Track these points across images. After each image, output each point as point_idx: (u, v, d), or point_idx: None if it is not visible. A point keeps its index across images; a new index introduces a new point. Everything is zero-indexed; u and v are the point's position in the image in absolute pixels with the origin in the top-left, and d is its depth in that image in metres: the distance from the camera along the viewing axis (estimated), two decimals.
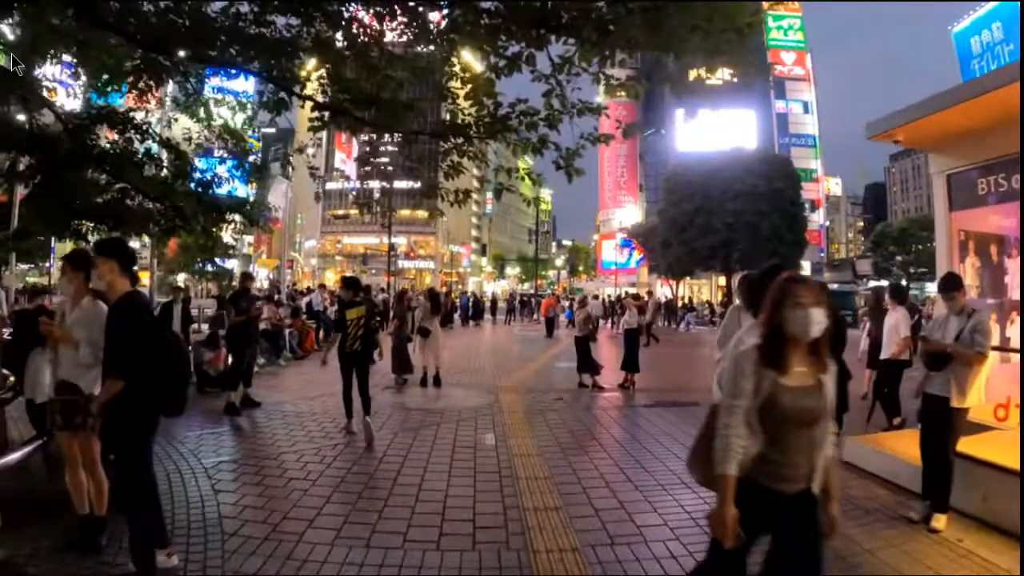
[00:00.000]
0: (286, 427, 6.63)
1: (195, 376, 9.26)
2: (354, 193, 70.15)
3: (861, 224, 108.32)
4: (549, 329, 21.60)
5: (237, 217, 9.07)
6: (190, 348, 9.68)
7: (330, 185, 75.24)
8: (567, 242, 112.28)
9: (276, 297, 13.36)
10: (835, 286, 40.51)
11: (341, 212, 61.66)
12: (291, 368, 11.53)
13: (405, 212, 74.56)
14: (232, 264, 60.32)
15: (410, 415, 7.38)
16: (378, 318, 7.92)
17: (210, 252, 18.13)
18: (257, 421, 7.01)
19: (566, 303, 29.07)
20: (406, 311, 10.50)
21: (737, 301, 3.87)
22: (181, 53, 4.87)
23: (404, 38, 4.49)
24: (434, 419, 7.14)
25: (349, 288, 6.66)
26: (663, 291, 43.51)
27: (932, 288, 31.74)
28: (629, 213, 67.68)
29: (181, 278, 31.05)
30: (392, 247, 31.49)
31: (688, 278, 40.46)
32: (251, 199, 9.93)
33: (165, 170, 8.28)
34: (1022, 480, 3.45)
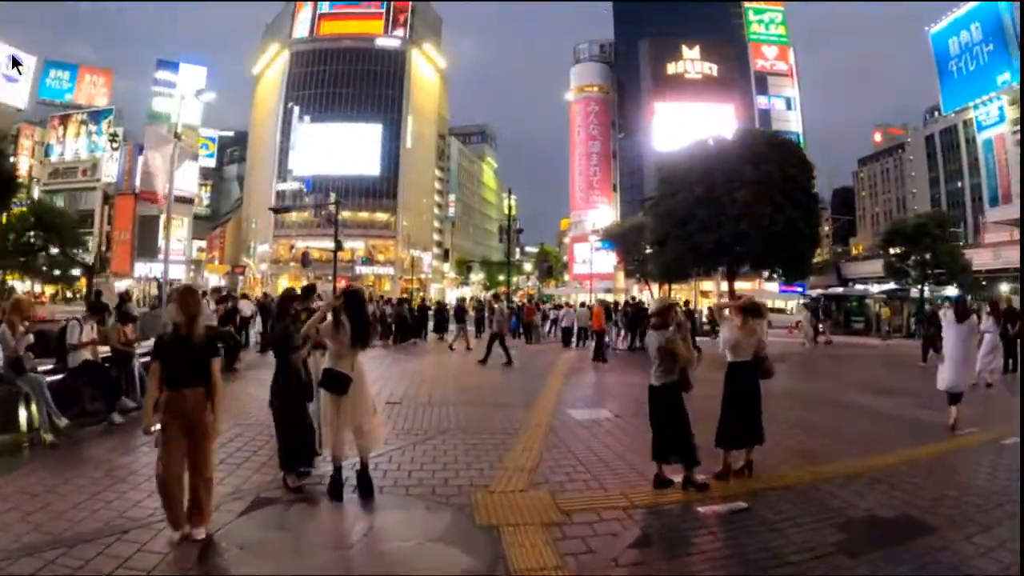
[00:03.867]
0: None
1: None
2: (308, 193, 64.25)
3: (828, 228, 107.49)
4: (567, 340, 19.11)
5: None
6: None
7: (282, 186, 69.32)
8: (531, 248, 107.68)
9: (109, 310, 8.04)
10: (839, 290, 37.13)
11: (281, 206, 55.34)
12: (123, 432, 6.38)
13: (364, 215, 69.04)
14: (179, 271, 53.21)
15: None
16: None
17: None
18: None
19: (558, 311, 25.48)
20: (288, 336, 4.92)
21: None
22: None
23: None
24: None
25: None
26: (644, 296, 39.37)
27: (954, 292, 28.37)
28: (603, 214, 64.11)
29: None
30: (339, 245, 26.30)
31: (683, 282, 36.30)
32: None
33: None
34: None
